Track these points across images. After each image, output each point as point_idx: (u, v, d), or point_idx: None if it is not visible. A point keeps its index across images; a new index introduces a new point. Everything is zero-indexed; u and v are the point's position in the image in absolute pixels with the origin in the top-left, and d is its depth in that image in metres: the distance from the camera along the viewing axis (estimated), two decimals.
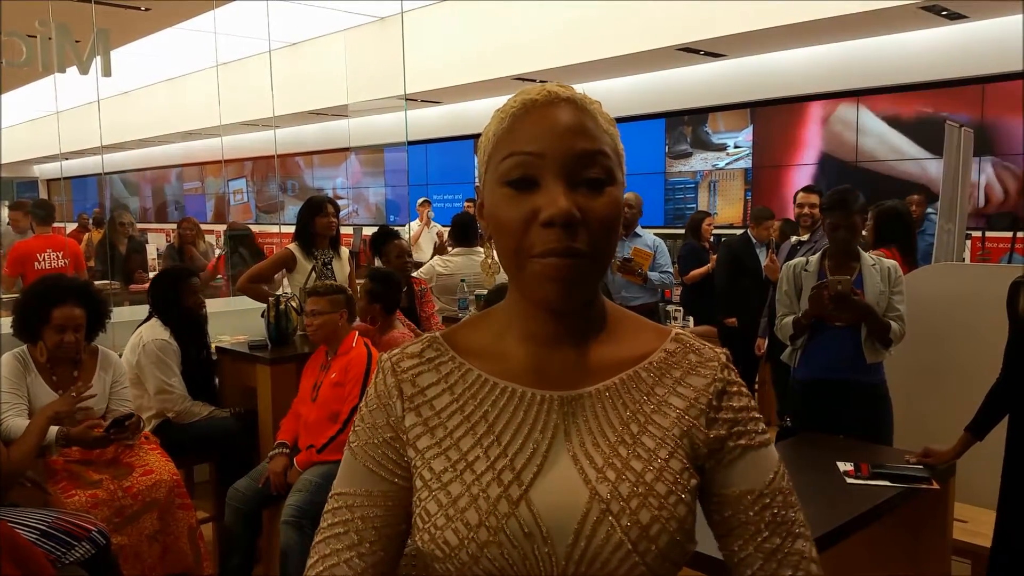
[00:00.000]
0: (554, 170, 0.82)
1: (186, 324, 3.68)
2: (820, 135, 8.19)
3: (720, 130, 8.99)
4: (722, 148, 8.97)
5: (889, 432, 3.19)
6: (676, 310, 5.79)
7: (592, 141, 0.84)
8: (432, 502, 0.84)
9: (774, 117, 8.51)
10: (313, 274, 4.15)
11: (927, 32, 6.93)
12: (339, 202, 6.66)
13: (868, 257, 3.21)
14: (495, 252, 0.88)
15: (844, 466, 2.61)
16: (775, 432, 4.71)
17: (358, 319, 3.64)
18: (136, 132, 13.51)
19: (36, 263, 5.68)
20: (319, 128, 12.38)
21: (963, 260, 5.61)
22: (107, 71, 4.78)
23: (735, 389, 0.90)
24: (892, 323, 3.08)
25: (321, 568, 0.88)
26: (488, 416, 0.87)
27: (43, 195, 18.75)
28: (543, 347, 0.89)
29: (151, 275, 6.00)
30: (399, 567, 0.93)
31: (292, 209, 10.91)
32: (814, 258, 3.29)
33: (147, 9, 7.61)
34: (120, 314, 3.73)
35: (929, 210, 5.96)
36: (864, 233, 3.82)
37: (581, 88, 0.88)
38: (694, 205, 9.06)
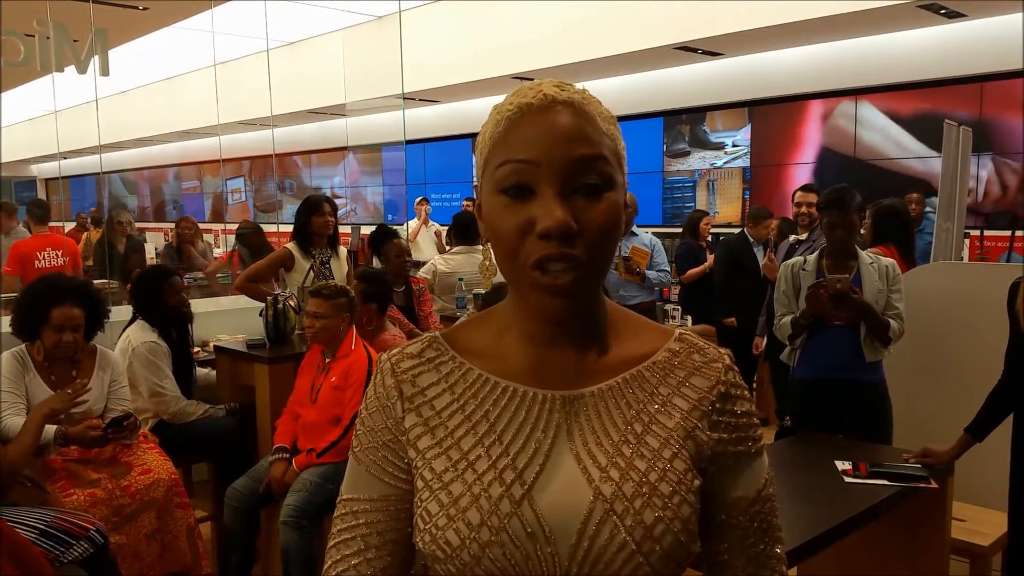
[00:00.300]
0: (550, 178, 0.80)
1: (172, 323, 3.67)
2: (818, 134, 8.19)
3: (718, 129, 8.99)
4: (720, 147, 8.97)
5: (888, 431, 3.19)
6: (674, 309, 5.79)
7: (590, 146, 0.81)
8: (433, 502, 0.84)
9: (772, 116, 8.51)
10: (311, 273, 4.15)
11: (925, 31, 6.92)
12: (337, 201, 6.65)
13: (866, 256, 3.21)
14: (493, 255, 0.87)
15: (842, 465, 2.62)
16: (774, 431, 4.72)
17: None
18: (134, 131, 13.49)
19: (36, 262, 5.69)
20: (317, 127, 12.37)
21: (961, 259, 5.61)
22: (105, 70, 4.77)
23: (738, 393, 0.90)
24: (891, 321, 3.08)
25: (333, 574, 0.90)
26: (489, 415, 0.86)
27: (41, 194, 18.74)
28: (544, 347, 0.88)
29: None
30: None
31: (290, 208, 10.89)
32: (812, 257, 3.29)
33: (145, 8, 7.60)
34: (118, 313, 3.73)
35: (928, 209, 5.96)
36: (862, 231, 3.83)
37: (580, 86, 0.86)
38: (692, 204, 9.06)
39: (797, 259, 3.37)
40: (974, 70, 6.85)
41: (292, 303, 3.99)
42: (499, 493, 0.82)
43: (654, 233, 5.56)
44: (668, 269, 5.36)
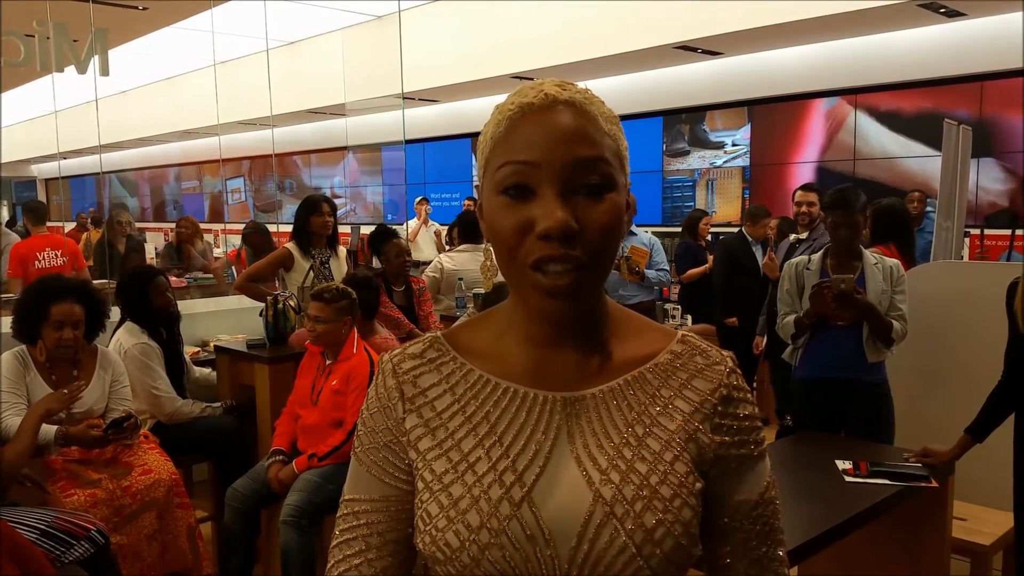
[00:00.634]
0: (550, 179, 0.79)
1: (160, 323, 3.65)
2: (818, 133, 8.19)
3: (718, 128, 8.99)
4: (720, 146, 8.97)
5: (890, 431, 3.18)
6: (674, 308, 5.79)
7: (591, 147, 0.81)
8: (433, 504, 0.83)
9: (772, 115, 8.51)
10: (311, 273, 4.15)
11: (925, 29, 6.92)
12: (337, 201, 6.66)
13: (870, 256, 3.20)
14: (494, 255, 0.86)
15: (843, 464, 2.61)
16: (775, 431, 4.72)
17: None
18: (134, 131, 13.49)
19: (36, 262, 5.69)
20: (317, 127, 12.37)
21: (962, 258, 5.61)
22: (105, 70, 4.78)
23: (741, 396, 0.89)
24: (894, 322, 3.07)
25: (335, 574, 0.90)
26: (490, 417, 0.86)
27: (41, 195, 18.76)
28: (544, 348, 0.88)
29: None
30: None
31: (290, 208, 10.90)
32: (816, 257, 3.28)
33: (145, 8, 7.60)
34: (118, 314, 3.71)
35: (928, 208, 5.96)
36: (866, 231, 3.82)
37: (582, 86, 0.85)
38: (692, 203, 9.06)
39: (801, 258, 3.36)
40: (974, 69, 6.85)
41: (292, 303, 3.99)
42: (499, 495, 0.81)
43: (653, 232, 5.56)
44: (667, 268, 5.35)
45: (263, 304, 3.99)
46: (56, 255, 5.84)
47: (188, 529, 3.11)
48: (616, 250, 0.84)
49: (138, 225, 9.77)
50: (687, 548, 0.82)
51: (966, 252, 6.25)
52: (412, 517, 0.88)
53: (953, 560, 2.76)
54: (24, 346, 3.11)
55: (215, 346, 4.17)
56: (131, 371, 3.47)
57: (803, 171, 8.22)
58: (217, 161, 13.41)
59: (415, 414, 0.89)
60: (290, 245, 4.25)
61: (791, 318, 3.24)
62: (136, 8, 7.51)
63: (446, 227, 8.11)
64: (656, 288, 5.39)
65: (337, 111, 10.75)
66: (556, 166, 0.79)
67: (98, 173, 13.69)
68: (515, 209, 0.80)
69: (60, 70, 4.70)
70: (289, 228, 4.51)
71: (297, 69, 9.97)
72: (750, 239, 5.46)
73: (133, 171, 17.95)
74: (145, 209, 17.96)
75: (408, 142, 9.08)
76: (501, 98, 0.86)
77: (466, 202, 9.79)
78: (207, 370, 4.09)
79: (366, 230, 6.98)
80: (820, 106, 8.11)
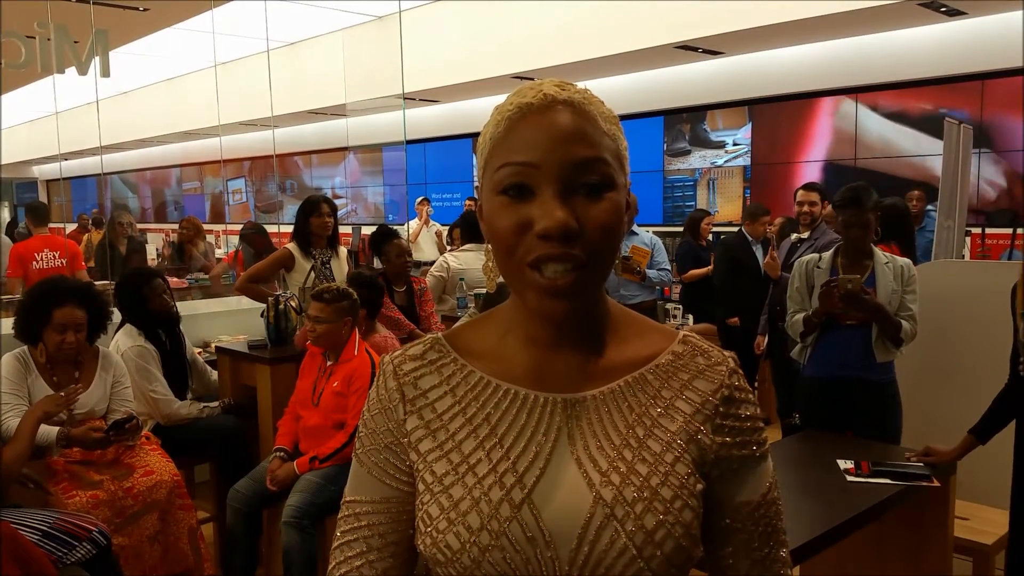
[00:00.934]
0: (550, 180, 0.79)
1: (159, 325, 3.65)
2: (819, 132, 8.18)
3: (719, 127, 8.99)
4: (721, 146, 8.97)
5: (897, 431, 3.17)
6: (676, 308, 5.79)
7: (590, 148, 0.80)
8: (434, 505, 0.83)
9: (773, 114, 8.50)
10: (312, 274, 4.14)
11: (926, 29, 6.92)
12: (338, 201, 6.67)
13: (881, 255, 3.18)
14: (494, 256, 0.86)
15: (844, 464, 2.61)
16: (780, 430, 4.72)
17: None
18: (135, 132, 13.51)
19: (34, 263, 5.69)
20: (317, 128, 12.38)
21: (963, 257, 5.60)
22: (106, 71, 4.78)
23: (742, 396, 0.89)
24: (903, 322, 3.06)
25: (337, 575, 0.90)
26: (490, 418, 0.86)
27: (42, 196, 18.78)
28: (545, 349, 0.88)
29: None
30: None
31: (291, 209, 10.91)
32: (827, 255, 3.27)
33: (145, 9, 7.60)
34: (120, 315, 3.72)
35: (929, 207, 5.96)
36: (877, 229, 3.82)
37: (582, 86, 0.85)
38: (693, 203, 9.06)
39: (812, 256, 3.34)
40: (975, 68, 6.85)
41: (293, 304, 3.99)
42: (499, 497, 0.81)
43: (655, 232, 5.55)
44: (669, 268, 5.35)
45: (264, 305, 3.99)
46: (54, 256, 5.84)
47: (190, 530, 3.11)
48: (616, 250, 0.84)
49: (139, 226, 9.77)
50: (688, 549, 0.82)
51: (967, 251, 6.24)
52: (413, 519, 0.88)
53: (955, 559, 2.76)
54: (25, 347, 3.11)
55: (216, 347, 4.17)
56: (128, 374, 3.47)
57: (805, 170, 8.21)
58: (218, 162, 13.42)
59: (416, 415, 0.89)
60: (291, 246, 4.25)
61: (800, 316, 3.23)
62: (137, 9, 7.52)
63: (447, 227, 8.10)
64: (657, 288, 5.39)
65: (338, 111, 10.75)
66: (555, 166, 0.79)
67: (99, 174, 13.70)
68: (514, 209, 0.80)
69: (61, 71, 4.71)
70: (290, 229, 4.51)
71: (298, 70, 9.98)
72: (750, 238, 5.46)
73: (134, 172, 17.96)
74: (146, 210, 17.98)
75: (409, 142, 9.09)
76: (502, 98, 0.86)
77: (467, 202, 9.79)
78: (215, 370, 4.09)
79: (367, 230, 6.99)
80: (823, 105, 8.11)
